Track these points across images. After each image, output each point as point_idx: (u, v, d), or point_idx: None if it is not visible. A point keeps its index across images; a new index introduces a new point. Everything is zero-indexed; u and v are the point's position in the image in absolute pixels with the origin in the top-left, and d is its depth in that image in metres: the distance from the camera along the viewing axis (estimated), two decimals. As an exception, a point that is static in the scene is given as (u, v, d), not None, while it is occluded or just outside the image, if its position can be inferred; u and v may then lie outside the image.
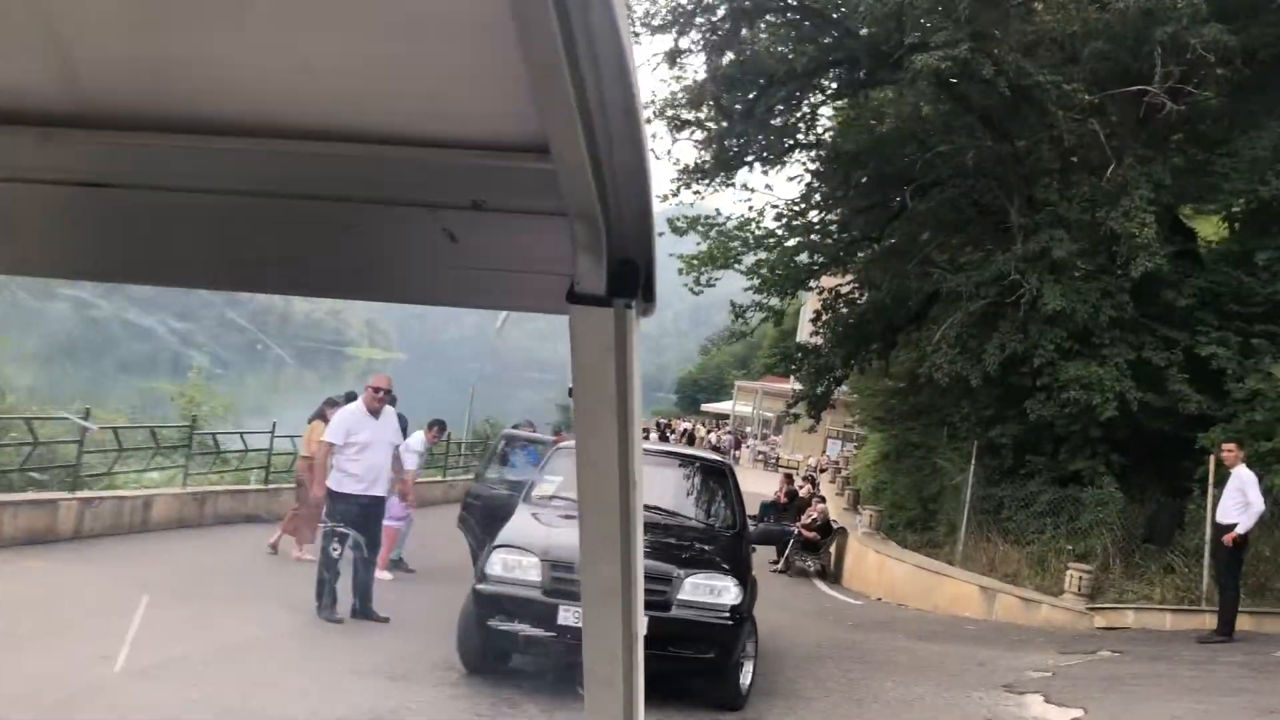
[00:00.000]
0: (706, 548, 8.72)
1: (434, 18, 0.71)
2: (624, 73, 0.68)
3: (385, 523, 10.22)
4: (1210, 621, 11.95)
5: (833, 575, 19.00)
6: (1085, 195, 14.89)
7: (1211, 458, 12.95)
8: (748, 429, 58.77)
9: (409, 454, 11.29)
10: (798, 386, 43.74)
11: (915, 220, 19.16)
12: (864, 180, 20.03)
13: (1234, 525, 11.03)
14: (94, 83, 0.83)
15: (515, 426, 15.18)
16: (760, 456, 52.36)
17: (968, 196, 17.29)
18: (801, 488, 27.53)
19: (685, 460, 10.69)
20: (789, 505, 23.75)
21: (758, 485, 23.50)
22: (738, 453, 50.07)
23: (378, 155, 0.83)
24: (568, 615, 7.38)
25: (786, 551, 19.00)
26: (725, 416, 62.42)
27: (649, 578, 1.47)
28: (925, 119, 17.65)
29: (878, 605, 16.23)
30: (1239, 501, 11.11)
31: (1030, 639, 12.72)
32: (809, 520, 19.60)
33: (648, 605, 1.06)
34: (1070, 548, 14.48)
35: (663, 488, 9.15)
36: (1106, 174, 14.50)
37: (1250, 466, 11.57)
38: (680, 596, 7.76)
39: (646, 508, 1.87)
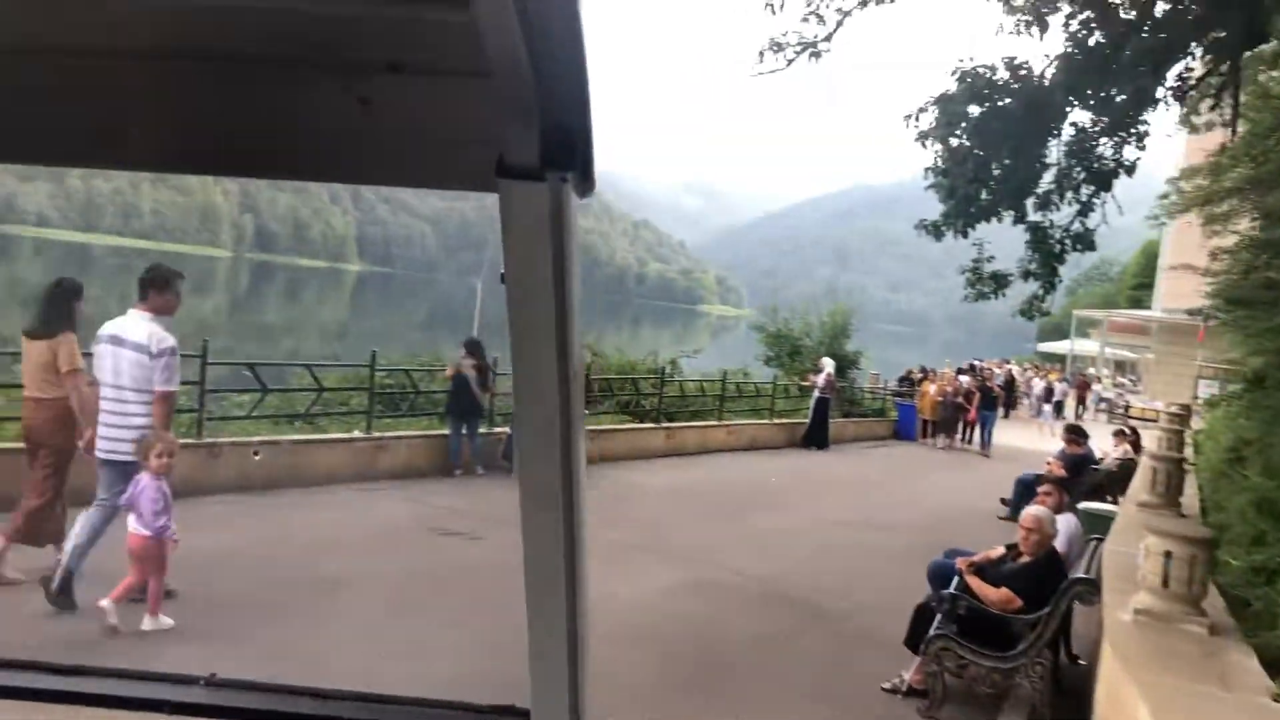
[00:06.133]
0: None
1: None
2: None
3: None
4: None
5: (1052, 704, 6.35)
6: None
7: None
8: (1089, 371, 43.95)
9: None
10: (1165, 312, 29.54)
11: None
12: None
13: None
14: None
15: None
16: (1104, 406, 38.46)
17: None
18: (1118, 447, 15.44)
19: None
20: (1073, 480, 12.10)
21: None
22: (1061, 401, 35.59)
23: (276, 7, 0.72)
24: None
25: (930, 635, 6.68)
26: (1062, 358, 49.09)
27: None
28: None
29: None
30: None
31: None
32: (1001, 556, 7.05)
33: None
34: None
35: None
36: None
37: None
38: None
39: None
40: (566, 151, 0.72)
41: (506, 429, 13.81)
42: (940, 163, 11.56)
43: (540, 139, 0.71)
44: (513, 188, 0.72)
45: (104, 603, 6.10)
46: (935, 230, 12.07)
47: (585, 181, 0.74)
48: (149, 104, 0.85)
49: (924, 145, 11.51)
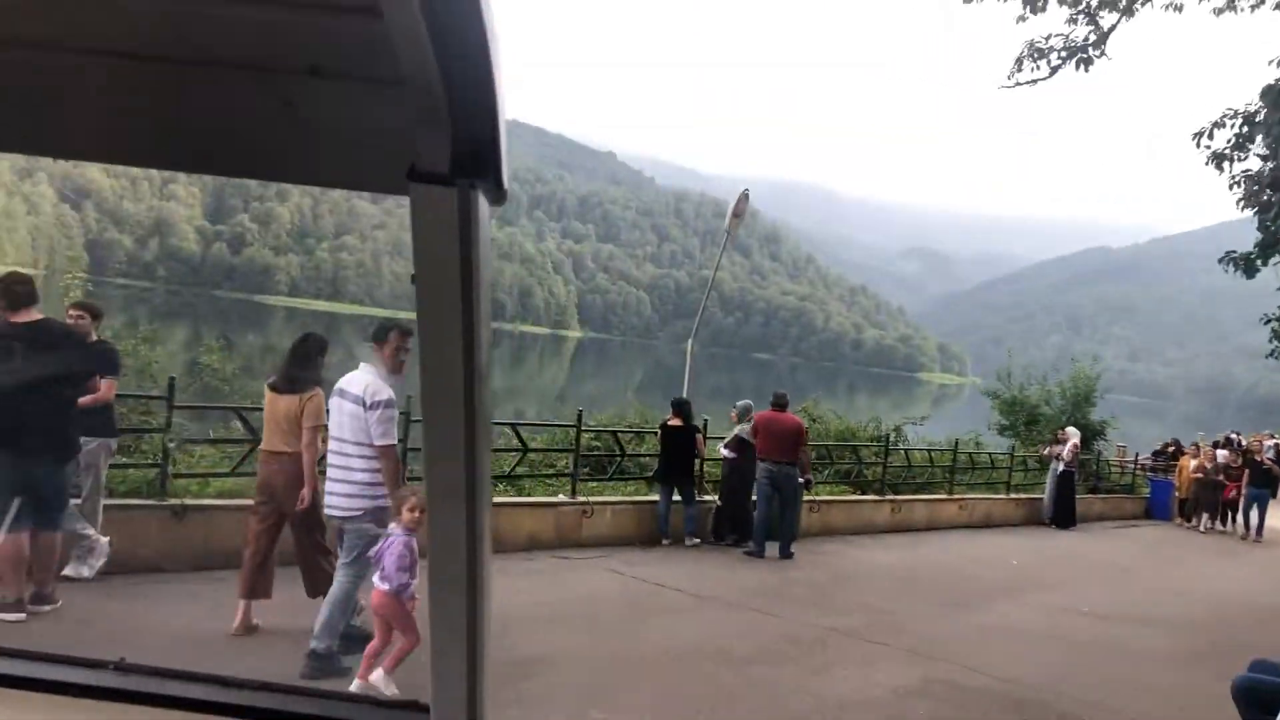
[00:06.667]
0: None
1: None
2: None
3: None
4: None
5: None
6: None
7: None
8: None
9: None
10: None
11: None
12: None
13: None
14: None
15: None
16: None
17: None
18: None
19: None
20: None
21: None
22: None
23: (205, 11, 0.73)
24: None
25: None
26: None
27: None
28: None
29: None
30: None
31: None
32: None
33: None
34: None
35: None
36: None
37: None
38: None
39: None
40: (476, 160, 0.72)
41: (716, 498, 13.00)
42: (1266, 172, 9.75)
43: (451, 147, 0.72)
44: (423, 192, 0.73)
45: (374, 677, 5.80)
46: (1248, 264, 10.25)
47: (498, 189, 0.75)
48: (81, 98, 0.85)
49: (1219, 168, 9.84)
